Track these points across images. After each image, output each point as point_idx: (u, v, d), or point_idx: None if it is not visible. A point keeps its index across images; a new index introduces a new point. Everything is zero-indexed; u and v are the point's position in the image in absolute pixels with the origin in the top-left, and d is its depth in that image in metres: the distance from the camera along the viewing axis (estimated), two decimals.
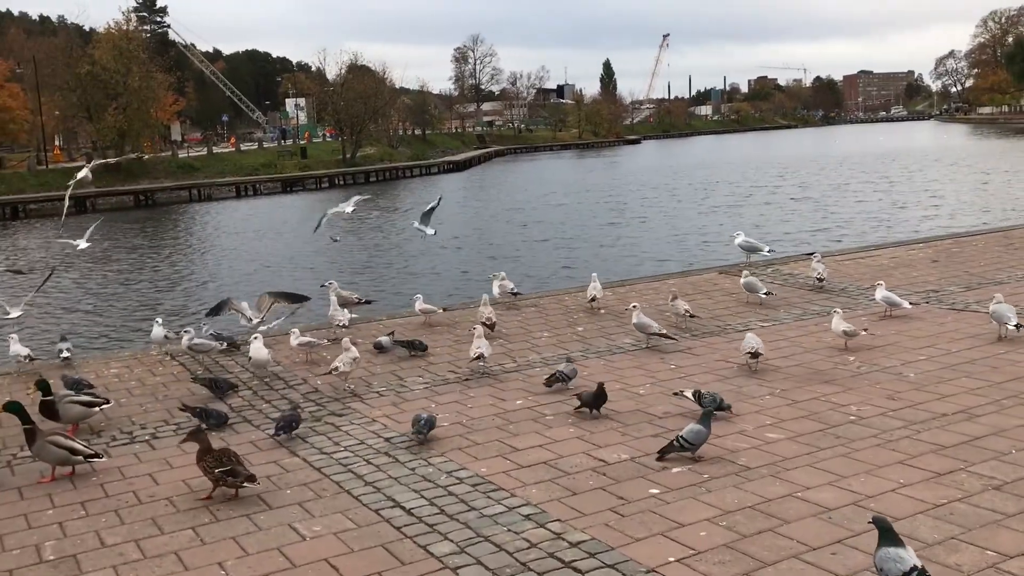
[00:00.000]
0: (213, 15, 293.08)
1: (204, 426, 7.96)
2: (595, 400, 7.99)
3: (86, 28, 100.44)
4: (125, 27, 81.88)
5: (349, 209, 12.93)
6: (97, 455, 7.18)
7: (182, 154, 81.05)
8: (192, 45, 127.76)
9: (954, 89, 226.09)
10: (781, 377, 9.04)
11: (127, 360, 11.11)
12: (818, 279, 13.55)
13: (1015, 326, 9.85)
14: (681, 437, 6.80)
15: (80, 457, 7.08)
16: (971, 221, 33.25)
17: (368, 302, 13.18)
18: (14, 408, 7.35)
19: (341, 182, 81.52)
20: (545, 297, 14.09)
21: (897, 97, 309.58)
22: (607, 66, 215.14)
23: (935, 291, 12.97)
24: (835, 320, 10.22)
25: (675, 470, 6.68)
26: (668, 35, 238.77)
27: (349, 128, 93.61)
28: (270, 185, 75.46)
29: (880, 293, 11.57)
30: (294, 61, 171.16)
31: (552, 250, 33.73)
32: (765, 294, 12.66)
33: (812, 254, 17.28)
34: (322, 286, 12.90)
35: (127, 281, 31.81)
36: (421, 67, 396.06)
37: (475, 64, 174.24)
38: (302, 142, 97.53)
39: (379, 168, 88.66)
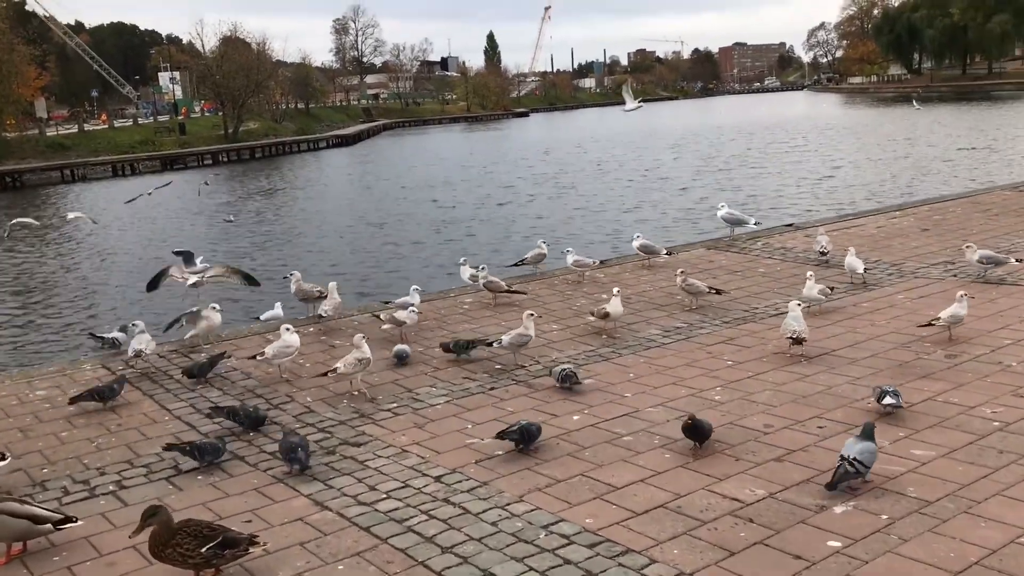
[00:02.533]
0: None
1: (159, 505, 5.87)
2: (701, 434, 6.35)
3: None
4: None
5: (191, 281, 10.82)
6: (69, 518, 5.29)
7: (50, 132, 75.12)
8: (52, 16, 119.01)
9: (825, 60, 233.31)
10: (866, 372, 7.76)
11: (54, 377, 8.98)
12: (821, 253, 12.49)
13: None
14: (854, 459, 5.37)
15: (48, 526, 5.18)
16: (893, 191, 33.26)
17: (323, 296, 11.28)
18: None
19: (225, 159, 77.29)
20: (533, 281, 12.48)
21: (770, 68, 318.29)
22: (491, 38, 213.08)
23: (950, 263, 12.03)
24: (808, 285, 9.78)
25: (838, 509, 5.27)
26: (550, 7, 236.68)
27: (230, 102, 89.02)
28: (149, 164, 70.75)
29: (848, 259, 11.19)
30: (164, 34, 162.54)
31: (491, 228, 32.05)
32: (667, 253, 12.95)
33: (790, 225, 16.35)
34: (284, 278, 11.24)
35: (11, 277, 28.43)
36: (301, 39, 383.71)
37: (356, 36, 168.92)
38: (180, 118, 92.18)
39: (264, 144, 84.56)
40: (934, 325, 8.56)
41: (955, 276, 11.26)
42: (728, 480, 5.74)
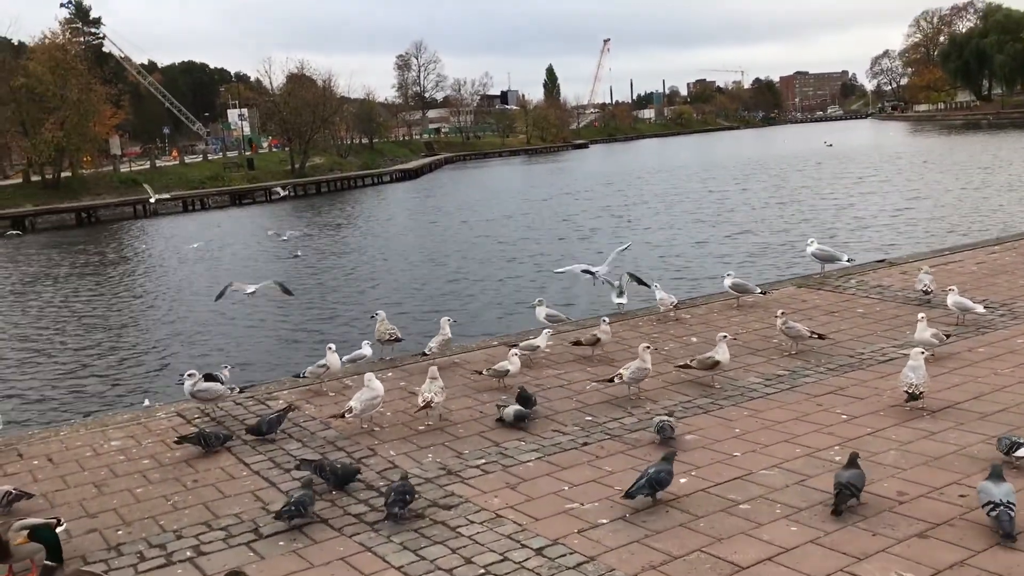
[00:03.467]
0: (145, 25, 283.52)
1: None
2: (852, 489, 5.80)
3: (14, 42, 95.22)
4: (61, 38, 77.50)
5: (249, 290, 13.46)
6: None
7: (123, 168, 77.07)
8: (128, 57, 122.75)
9: (889, 87, 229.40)
10: (1000, 429, 7.02)
11: (128, 426, 8.70)
12: (924, 291, 11.73)
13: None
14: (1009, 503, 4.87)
15: None
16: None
17: (399, 340, 10.87)
18: (45, 537, 5.02)
19: (292, 193, 78.40)
20: (615, 322, 11.92)
21: (833, 97, 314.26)
22: (550, 71, 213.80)
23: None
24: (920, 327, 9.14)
25: None
26: (608, 40, 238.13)
27: (297, 137, 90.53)
28: (219, 198, 72.04)
29: (951, 299, 10.49)
30: (232, 71, 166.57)
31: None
32: (762, 292, 12.33)
33: (882, 261, 15.56)
34: (372, 317, 11.04)
35: (83, 315, 28.75)
36: (365, 75, 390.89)
37: (419, 71, 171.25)
38: (248, 153, 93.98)
39: (330, 178, 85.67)
40: None
41: None
42: (869, 560, 5.11)
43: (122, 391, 18.07)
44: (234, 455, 7.68)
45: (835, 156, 78.06)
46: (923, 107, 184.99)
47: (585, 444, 7.40)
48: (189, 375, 8.75)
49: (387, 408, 8.57)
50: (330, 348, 9.56)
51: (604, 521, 5.89)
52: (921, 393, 7.61)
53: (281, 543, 5.93)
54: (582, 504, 6.18)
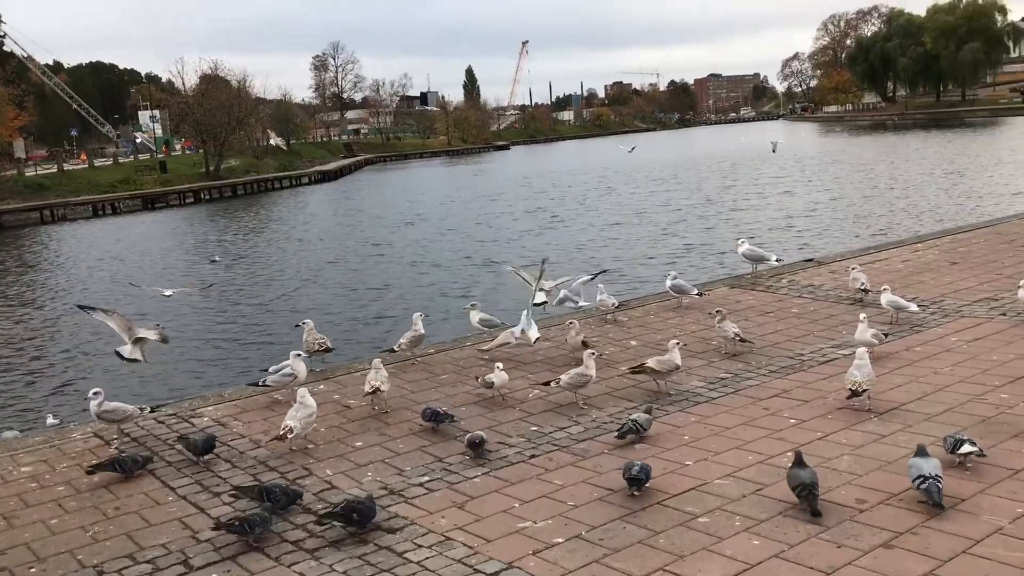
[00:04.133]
0: (50, 24, 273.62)
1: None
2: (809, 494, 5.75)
3: None
4: None
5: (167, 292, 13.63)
6: None
7: (29, 172, 73.90)
8: (31, 56, 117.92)
9: (799, 89, 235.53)
10: (947, 430, 6.97)
11: (40, 449, 8.08)
12: (863, 290, 11.83)
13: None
14: (937, 475, 5.35)
15: None
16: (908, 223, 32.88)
17: (330, 350, 10.34)
18: None
19: (207, 196, 76.43)
20: (548, 328, 11.69)
21: (745, 99, 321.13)
22: (469, 73, 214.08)
23: (992, 300, 11.37)
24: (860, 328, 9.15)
25: None
26: (527, 42, 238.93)
27: (211, 139, 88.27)
28: (130, 203, 69.69)
29: (885, 298, 10.54)
30: (143, 72, 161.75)
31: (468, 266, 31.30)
32: (698, 294, 12.17)
33: (810, 260, 15.69)
34: (296, 326, 10.49)
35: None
36: (281, 76, 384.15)
37: (336, 72, 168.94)
38: (160, 156, 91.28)
39: (246, 180, 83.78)
40: None
41: (1004, 315, 10.59)
42: (837, 574, 4.94)
43: (27, 407, 17.14)
44: (158, 478, 7.18)
45: (758, 157, 79.62)
46: (832, 108, 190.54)
47: (533, 457, 7.12)
48: (95, 393, 8.15)
49: (321, 423, 8.15)
50: (297, 355, 9.04)
51: (559, 540, 5.62)
52: (865, 391, 7.60)
53: (214, 575, 5.50)
54: (535, 522, 5.90)
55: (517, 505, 6.21)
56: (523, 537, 5.72)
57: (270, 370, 9.21)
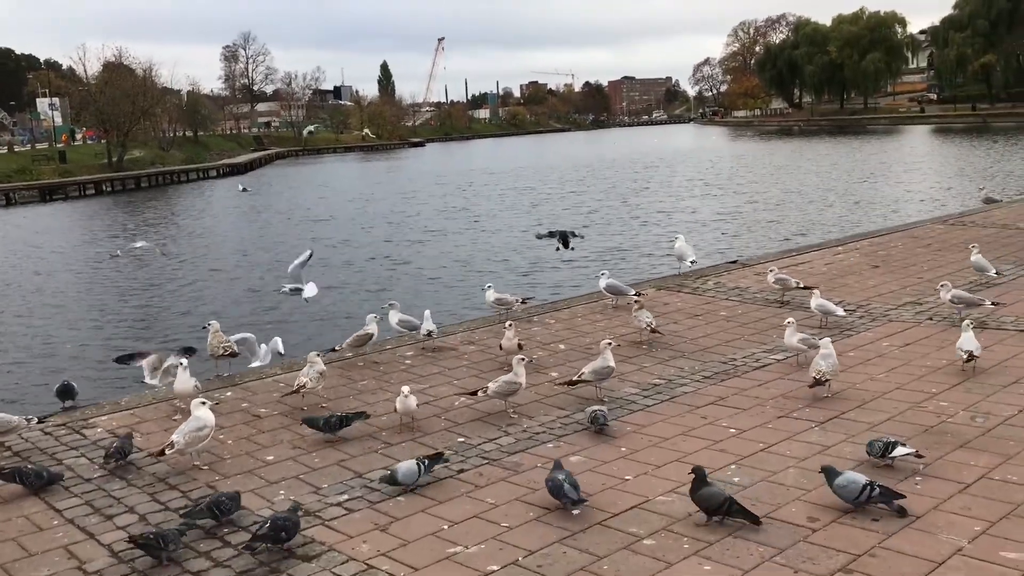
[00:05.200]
0: None
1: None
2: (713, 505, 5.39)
3: None
4: None
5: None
6: None
7: None
8: None
9: (710, 94, 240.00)
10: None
11: None
12: (782, 287, 11.79)
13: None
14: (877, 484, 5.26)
15: None
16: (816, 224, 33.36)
17: (235, 355, 9.66)
18: None
19: (109, 188, 73.35)
20: (459, 331, 11.18)
21: (658, 102, 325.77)
22: (384, 68, 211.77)
23: (916, 303, 11.35)
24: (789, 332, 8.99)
25: None
26: (443, 39, 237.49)
27: (114, 129, 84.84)
28: (26, 193, 66.36)
29: (815, 302, 10.41)
30: (42, 58, 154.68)
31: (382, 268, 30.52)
32: (635, 295, 11.55)
33: (734, 262, 15.57)
34: (203, 328, 9.76)
35: None
36: (189, 66, 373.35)
37: (247, 63, 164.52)
38: (60, 145, 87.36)
39: (151, 172, 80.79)
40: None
41: (931, 319, 10.54)
42: None
43: None
44: (42, 499, 6.42)
45: (665, 161, 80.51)
46: (741, 113, 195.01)
47: (461, 472, 6.61)
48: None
49: (228, 435, 7.48)
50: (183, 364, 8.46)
51: (494, 568, 5.13)
52: (827, 380, 7.70)
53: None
54: (466, 547, 5.40)
55: (446, 527, 5.70)
56: (454, 565, 5.21)
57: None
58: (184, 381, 8.02)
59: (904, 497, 5.56)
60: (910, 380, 8.22)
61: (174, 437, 6.78)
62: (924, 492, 5.82)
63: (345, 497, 6.22)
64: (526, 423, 7.61)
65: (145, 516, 6.04)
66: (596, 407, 7.46)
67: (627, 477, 6.33)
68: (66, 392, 8.67)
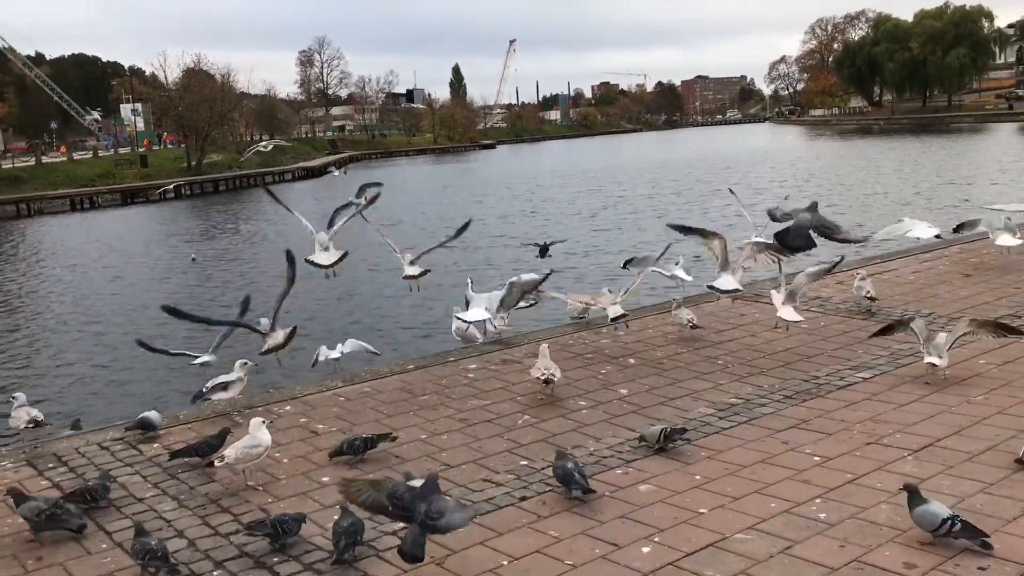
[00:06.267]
0: (32, 16, 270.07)
1: None
2: None
3: None
4: None
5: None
6: None
7: (6, 164, 72.46)
8: (11, 47, 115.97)
9: (786, 92, 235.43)
10: (996, 477, 6.16)
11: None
12: (869, 298, 11.31)
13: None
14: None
15: None
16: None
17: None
18: None
19: (188, 192, 75.16)
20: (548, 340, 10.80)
21: (732, 101, 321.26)
22: (456, 71, 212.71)
23: (1016, 316, 10.56)
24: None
25: None
26: (515, 40, 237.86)
27: (194, 134, 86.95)
28: (109, 197, 68.38)
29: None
30: (126, 65, 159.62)
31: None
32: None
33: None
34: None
35: None
36: (265, 71, 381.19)
37: (322, 68, 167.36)
38: (141, 149, 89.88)
39: (229, 176, 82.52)
40: None
41: None
42: None
43: None
44: (93, 519, 6.24)
45: (744, 163, 79.02)
46: (818, 112, 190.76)
47: (523, 499, 6.24)
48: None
49: (284, 453, 7.25)
50: (244, 363, 8.43)
51: None
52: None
53: None
54: None
55: (506, 563, 5.32)
56: None
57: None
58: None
59: (988, 536, 5.10)
60: (1013, 404, 7.55)
61: (227, 452, 6.59)
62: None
63: (400, 525, 5.89)
64: (592, 445, 7.19)
65: (194, 541, 5.81)
66: (663, 426, 7.02)
67: (701, 510, 5.86)
68: (146, 427, 7.84)
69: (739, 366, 9.21)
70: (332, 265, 10.16)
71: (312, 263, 10.09)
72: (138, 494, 6.62)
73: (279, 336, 9.03)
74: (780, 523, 5.61)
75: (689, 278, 11.99)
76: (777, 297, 9.98)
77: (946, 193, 42.59)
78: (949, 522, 5.07)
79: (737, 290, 10.29)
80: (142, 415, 7.84)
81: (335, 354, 9.61)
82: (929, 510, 5.18)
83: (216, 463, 6.56)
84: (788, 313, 9.72)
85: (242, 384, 8.37)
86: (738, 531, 5.53)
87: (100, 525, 6.13)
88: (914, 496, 5.26)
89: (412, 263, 10.66)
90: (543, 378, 8.18)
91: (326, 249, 10.10)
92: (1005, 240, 13.54)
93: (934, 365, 8.26)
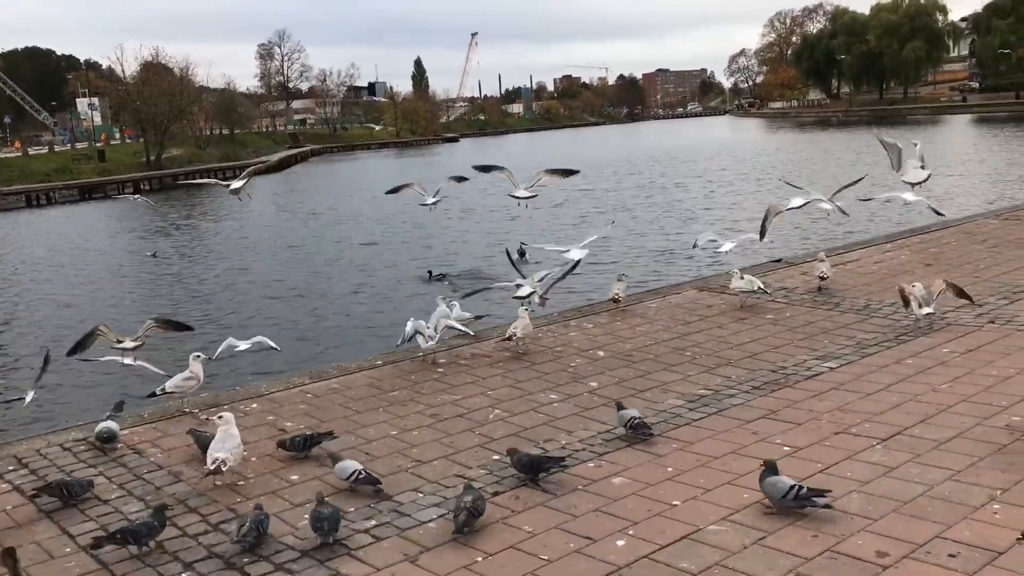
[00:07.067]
0: None
1: None
2: None
3: None
4: None
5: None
6: None
7: None
8: None
9: (745, 85, 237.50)
10: (964, 462, 6.23)
11: None
12: (821, 277, 11.85)
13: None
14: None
15: None
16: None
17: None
18: None
19: (147, 187, 74.03)
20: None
21: (692, 94, 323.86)
22: (418, 64, 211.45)
23: (977, 306, 10.71)
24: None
25: None
26: (476, 34, 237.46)
27: (152, 128, 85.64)
28: (66, 192, 67.16)
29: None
30: (82, 59, 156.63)
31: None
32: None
33: (779, 260, 15.00)
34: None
35: None
36: (225, 65, 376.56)
37: (282, 61, 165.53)
38: (99, 144, 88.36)
39: (188, 170, 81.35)
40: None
41: (993, 323, 9.93)
42: None
43: None
44: (55, 522, 6.11)
45: (705, 155, 79.48)
46: (777, 104, 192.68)
47: (496, 494, 6.19)
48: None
49: (252, 451, 7.14)
50: (196, 356, 8.33)
51: None
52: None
53: None
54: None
55: (480, 559, 5.28)
56: None
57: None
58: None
59: (830, 492, 5.61)
60: (977, 391, 7.65)
61: (219, 455, 6.43)
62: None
63: (373, 523, 5.83)
64: (564, 439, 7.17)
65: (162, 543, 5.70)
66: (631, 411, 7.08)
67: (675, 503, 5.87)
68: (109, 439, 7.44)
69: (707, 357, 9.26)
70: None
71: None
72: (103, 496, 6.49)
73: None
74: (753, 514, 5.63)
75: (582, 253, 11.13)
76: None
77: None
78: (796, 488, 5.50)
79: (532, 196, 12.16)
80: (100, 428, 7.43)
81: (243, 346, 9.28)
82: (779, 480, 5.60)
83: (221, 468, 6.43)
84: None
85: (196, 381, 8.22)
86: (712, 523, 5.54)
87: (63, 528, 6.00)
88: (768, 471, 5.66)
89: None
90: (507, 335, 9.23)
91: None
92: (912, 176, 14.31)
93: (930, 313, 9.78)
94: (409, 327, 9.41)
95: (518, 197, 12.12)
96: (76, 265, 34.23)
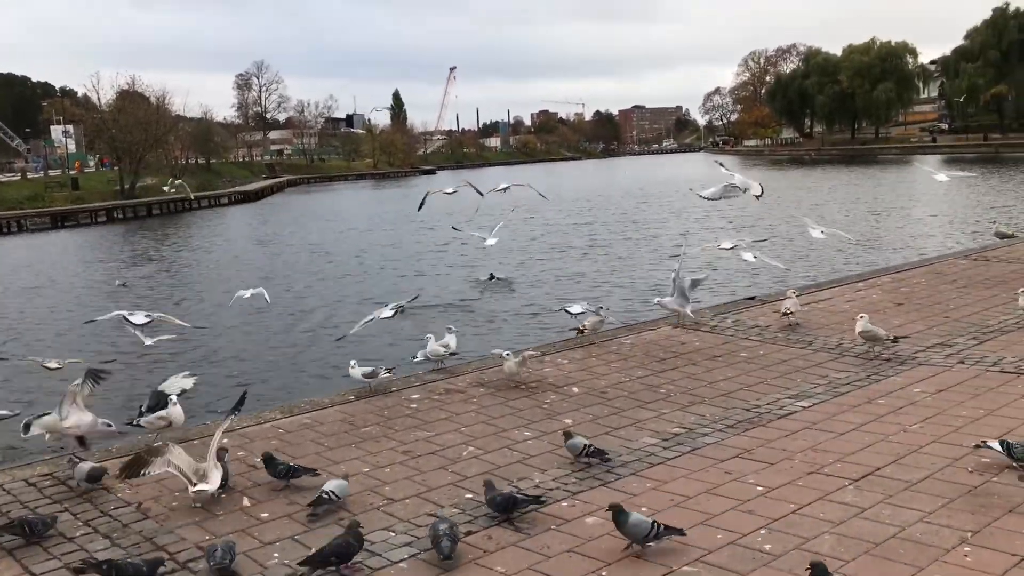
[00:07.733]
0: None
1: None
2: None
3: None
4: None
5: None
6: None
7: None
8: None
9: (720, 123, 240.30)
10: (935, 503, 6.27)
11: None
12: (785, 314, 12.12)
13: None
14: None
15: None
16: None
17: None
18: None
19: (121, 215, 73.53)
20: (488, 370, 10.73)
21: (668, 130, 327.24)
22: (396, 96, 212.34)
23: (945, 345, 10.85)
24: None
25: None
26: (455, 68, 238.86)
27: (127, 157, 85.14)
28: (38, 220, 66.50)
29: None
30: (57, 86, 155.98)
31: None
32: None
33: (752, 298, 15.12)
34: None
35: None
36: (202, 94, 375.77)
37: (260, 91, 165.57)
38: (73, 172, 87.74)
39: (163, 200, 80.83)
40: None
41: (963, 363, 10.04)
42: None
43: None
44: (18, 561, 5.97)
45: (682, 191, 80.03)
46: (751, 142, 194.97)
47: (468, 534, 6.13)
48: None
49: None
50: (174, 401, 8.16)
51: None
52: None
53: None
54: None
55: None
56: None
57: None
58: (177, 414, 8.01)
59: (683, 533, 5.71)
60: (947, 432, 7.72)
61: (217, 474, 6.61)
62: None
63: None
64: (538, 477, 7.14)
65: None
66: (581, 439, 7.24)
67: (649, 544, 5.84)
68: (94, 479, 7.17)
69: (681, 395, 9.28)
70: None
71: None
72: (68, 533, 6.36)
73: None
74: (727, 555, 5.62)
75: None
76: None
77: (876, 222, 43.71)
78: (655, 527, 5.59)
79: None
80: (88, 468, 7.16)
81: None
82: (639, 521, 5.64)
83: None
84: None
85: (167, 423, 8.09)
86: (685, 564, 5.53)
87: (26, 567, 5.87)
88: (620, 514, 5.67)
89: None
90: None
91: None
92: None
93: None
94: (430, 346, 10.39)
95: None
96: (41, 294, 33.81)
